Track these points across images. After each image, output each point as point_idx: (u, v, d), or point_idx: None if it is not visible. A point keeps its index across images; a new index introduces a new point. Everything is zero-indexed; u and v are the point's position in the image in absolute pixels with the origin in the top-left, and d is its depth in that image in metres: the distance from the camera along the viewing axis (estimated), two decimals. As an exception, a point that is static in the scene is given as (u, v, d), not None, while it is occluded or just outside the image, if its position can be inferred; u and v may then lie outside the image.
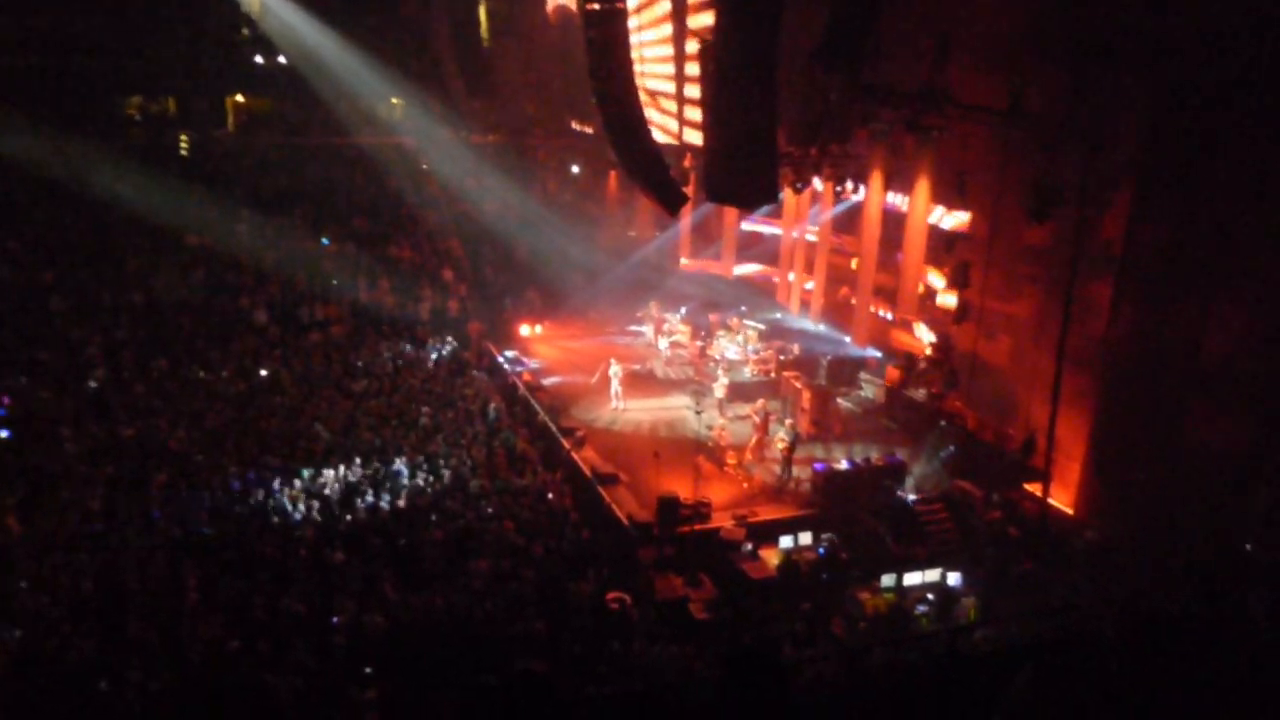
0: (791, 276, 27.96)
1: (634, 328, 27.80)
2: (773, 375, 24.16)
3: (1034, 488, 18.24)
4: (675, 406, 22.71)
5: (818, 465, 18.63)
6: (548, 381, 24.10)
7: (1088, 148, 16.61)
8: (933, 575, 15.83)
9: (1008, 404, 20.14)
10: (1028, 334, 19.70)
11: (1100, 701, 3.64)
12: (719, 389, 22.27)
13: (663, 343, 26.22)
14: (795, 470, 19.13)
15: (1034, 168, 17.58)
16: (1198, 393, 16.69)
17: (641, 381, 24.26)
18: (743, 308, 27.63)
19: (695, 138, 26.36)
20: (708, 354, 25.55)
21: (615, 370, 22.58)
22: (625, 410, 22.48)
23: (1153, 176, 16.72)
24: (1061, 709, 3.71)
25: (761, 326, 26.49)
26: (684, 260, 32.10)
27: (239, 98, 35.27)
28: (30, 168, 26.00)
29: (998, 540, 17.13)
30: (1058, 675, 3.85)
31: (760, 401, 20.68)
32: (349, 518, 16.58)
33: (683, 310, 27.54)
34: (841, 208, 25.80)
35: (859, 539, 17.15)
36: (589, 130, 34.07)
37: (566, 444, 20.09)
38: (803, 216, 26.95)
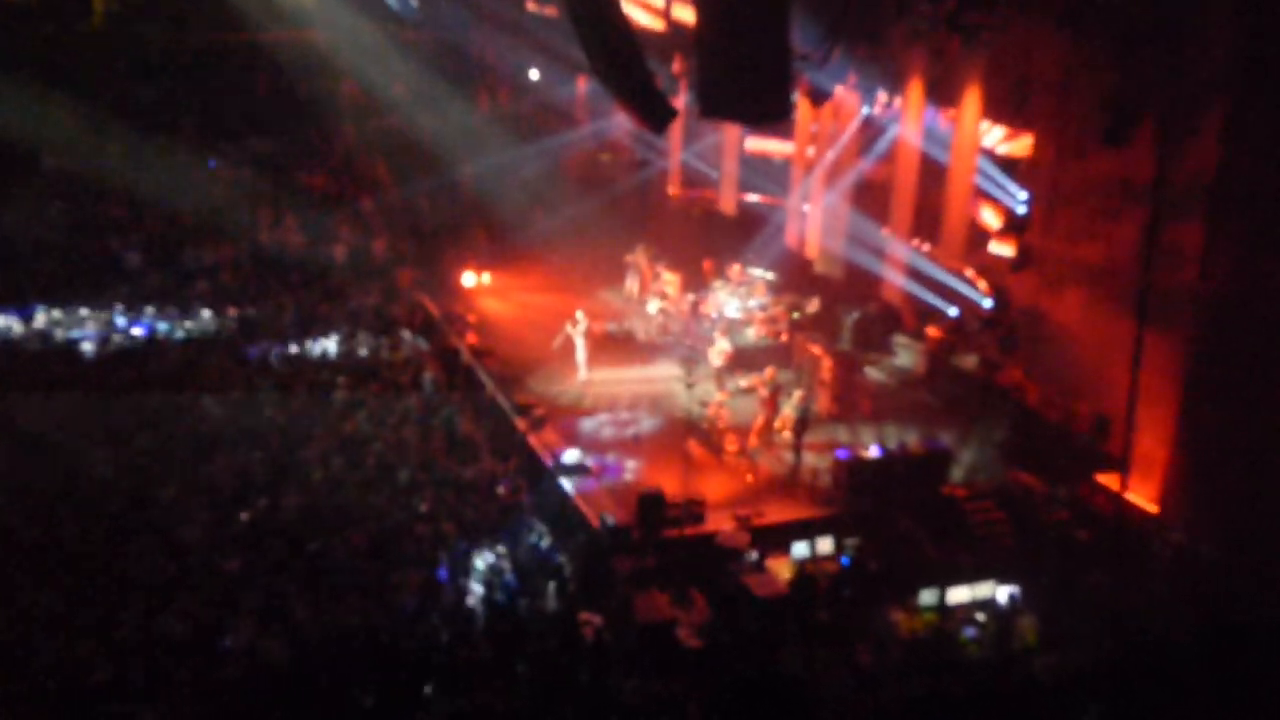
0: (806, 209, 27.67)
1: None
2: (784, 338, 24.19)
3: (1109, 480, 18.25)
4: (660, 377, 22.76)
5: (840, 452, 18.62)
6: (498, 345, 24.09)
7: (1173, 53, 16.46)
8: (984, 590, 15.89)
9: (1077, 374, 20.06)
10: (1102, 286, 19.63)
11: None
12: (716, 355, 22.19)
13: (652, 304, 26.15)
14: (809, 458, 19.19)
15: (1109, 79, 17.67)
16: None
17: (617, 345, 24.29)
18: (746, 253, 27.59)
19: (687, 14, 25.94)
20: (701, 311, 25.43)
21: (579, 328, 22.44)
22: (594, 383, 22.49)
23: (1252, 90, 16.49)
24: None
25: (770, 276, 26.38)
26: (673, 191, 31.88)
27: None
28: None
29: (1064, 545, 17.19)
30: (1135, 713, 3.54)
31: (768, 371, 20.57)
32: (244, 516, 16.57)
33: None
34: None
35: (892, 545, 17.22)
36: (549, 13, 33.50)
37: (521, 425, 20.09)
38: (823, 136, 26.57)
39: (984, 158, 22.01)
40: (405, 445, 18.73)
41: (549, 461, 18.83)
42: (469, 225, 29.14)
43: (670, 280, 26.69)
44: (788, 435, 19.32)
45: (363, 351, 22.71)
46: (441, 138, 31.13)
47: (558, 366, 23.05)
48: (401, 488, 17.42)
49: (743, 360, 22.70)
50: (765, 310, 25.09)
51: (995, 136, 21.97)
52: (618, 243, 28.51)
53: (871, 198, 26.06)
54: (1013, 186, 21.24)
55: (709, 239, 29.51)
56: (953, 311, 22.98)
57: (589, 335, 22.64)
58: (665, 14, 27.86)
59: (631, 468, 18.99)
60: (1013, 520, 17.82)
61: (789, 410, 19.30)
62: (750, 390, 20.61)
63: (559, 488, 18.18)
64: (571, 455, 18.80)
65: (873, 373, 23.02)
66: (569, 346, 22.76)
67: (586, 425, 20.80)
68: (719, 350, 22.21)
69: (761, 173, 30.22)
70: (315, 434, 18.81)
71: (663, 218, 31.42)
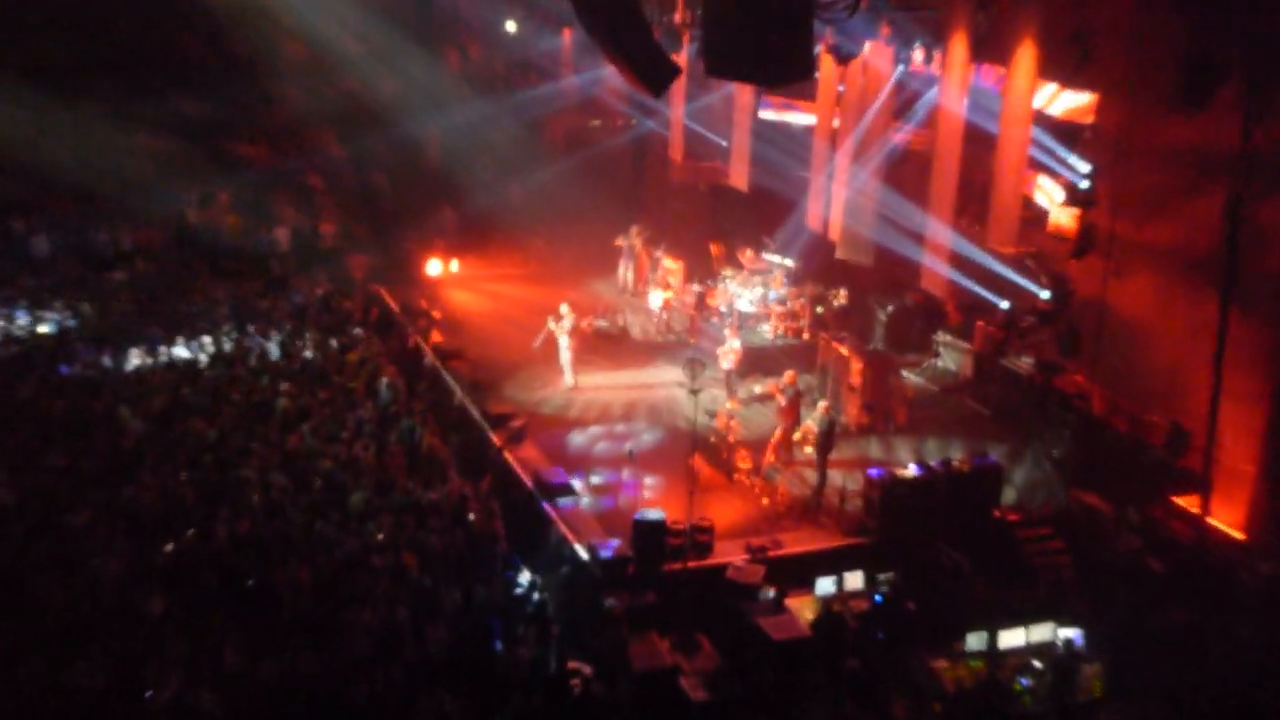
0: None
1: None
2: (805, 336, 24.33)
3: (1187, 501, 18.34)
4: (660, 383, 22.99)
5: (874, 471, 18.60)
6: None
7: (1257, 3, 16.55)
8: (1041, 632, 15.85)
9: (1150, 377, 20.13)
10: (1179, 273, 19.70)
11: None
12: (725, 357, 22.28)
13: (655, 297, 26.08)
14: (835, 477, 19.21)
15: (1186, 30, 17.72)
16: None
17: (609, 345, 24.51)
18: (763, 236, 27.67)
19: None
20: (708, 305, 25.39)
21: (563, 324, 22.46)
22: (582, 389, 22.66)
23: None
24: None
25: (789, 263, 26.39)
26: (675, 164, 31.87)
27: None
28: None
29: (1135, 578, 17.22)
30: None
31: (787, 375, 20.61)
32: (171, 547, 16.36)
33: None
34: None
35: (933, 580, 17.27)
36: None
37: (496, 439, 20.17)
38: (851, 100, 26.54)
39: (1039, 124, 21.88)
40: (358, 463, 18.63)
41: (529, 481, 18.80)
42: (434, 204, 29.23)
43: (671, 268, 26.64)
44: (810, 450, 19.39)
45: (309, 353, 22.62)
46: (403, 103, 31.14)
47: (539, 370, 23.15)
48: (354, 513, 17.28)
49: (757, 362, 22.92)
50: (783, 303, 25.21)
51: (1049, 96, 21.96)
52: (609, 224, 28.60)
53: (907, 171, 26.10)
54: (1073, 157, 21.21)
55: (717, 219, 29.64)
56: (1004, 304, 22.99)
57: (576, 333, 22.74)
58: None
59: (628, 488, 19.03)
60: (1075, 550, 17.88)
61: (812, 421, 19.37)
62: (766, 398, 20.78)
63: (541, 512, 18.18)
64: (558, 475, 18.84)
65: (910, 377, 23.17)
66: (552, 346, 22.81)
67: (573, 439, 20.86)
68: (729, 351, 22.29)
69: (779, 142, 30.20)
70: (253, 449, 18.69)
71: (662, 194, 31.58)
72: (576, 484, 19.00)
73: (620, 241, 28.25)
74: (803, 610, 16.28)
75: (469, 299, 27.04)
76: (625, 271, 28.31)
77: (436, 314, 25.56)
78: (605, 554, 16.92)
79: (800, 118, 29.63)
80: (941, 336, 24.33)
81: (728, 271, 26.41)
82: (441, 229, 28.72)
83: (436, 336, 24.12)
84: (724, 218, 29.78)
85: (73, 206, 25.82)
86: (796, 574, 16.84)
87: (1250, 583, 17.01)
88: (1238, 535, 18.08)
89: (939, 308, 24.81)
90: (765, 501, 19.05)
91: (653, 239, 27.91)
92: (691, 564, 16.80)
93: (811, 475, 19.39)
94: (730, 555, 17.17)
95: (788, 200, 28.90)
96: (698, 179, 31.60)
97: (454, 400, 21.60)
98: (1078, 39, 19.79)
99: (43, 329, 22.74)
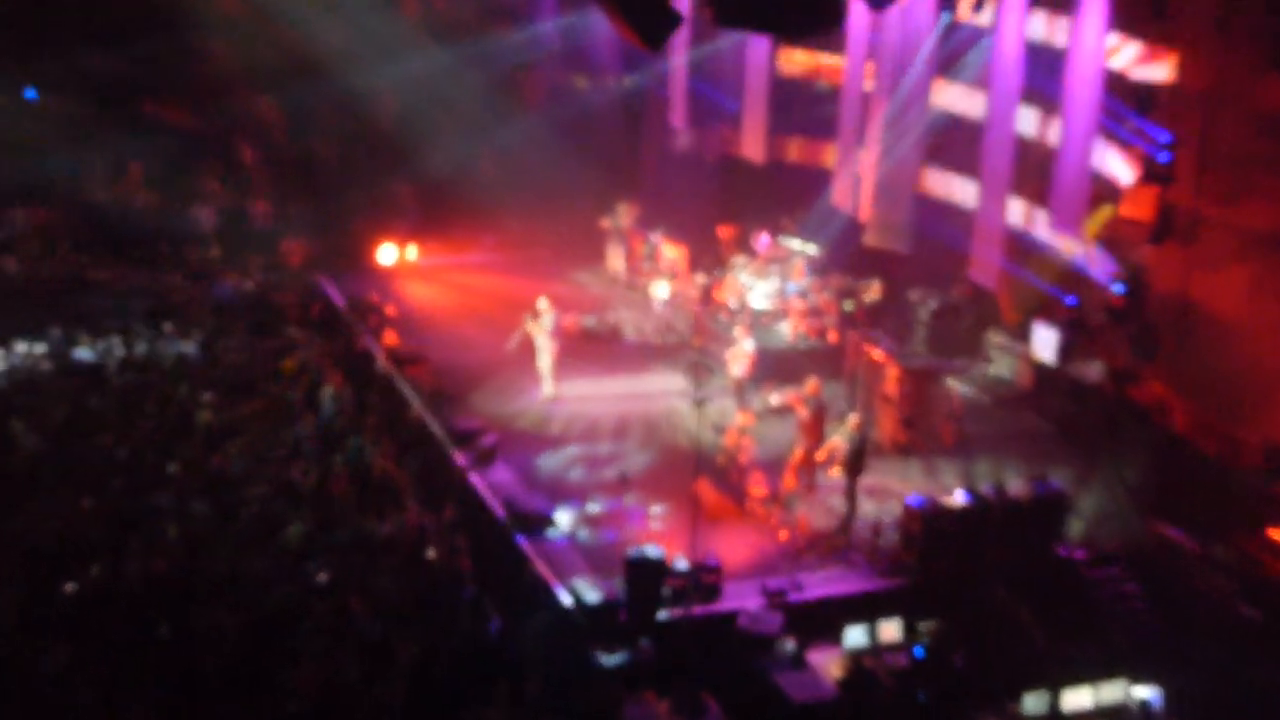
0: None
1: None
2: (832, 337, 24.42)
3: (1286, 535, 18.38)
4: (657, 392, 23.04)
5: (913, 500, 18.56)
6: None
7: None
8: (1112, 692, 15.88)
9: (1242, 387, 20.11)
10: (1277, 262, 19.67)
11: None
12: (736, 362, 22.27)
13: (661, 288, 26.25)
14: (867, 506, 19.25)
15: None
16: None
17: (597, 347, 24.55)
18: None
19: None
20: (716, 299, 25.44)
21: (543, 323, 22.45)
22: (564, 400, 22.63)
23: None
24: None
25: (812, 249, 26.48)
26: (676, 130, 31.87)
27: None
28: None
29: (1225, 626, 17.18)
30: None
31: (810, 384, 20.49)
32: (72, 588, 16.42)
33: None
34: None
35: (984, 629, 17.16)
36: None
37: (461, 460, 20.15)
38: (886, 55, 26.51)
39: (1110, 86, 21.88)
40: (296, 489, 18.70)
41: (500, 511, 18.78)
42: (388, 178, 29.20)
43: (672, 255, 26.55)
44: (837, 474, 19.28)
45: (236, 357, 22.63)
46: (351, 57, 30.99)
47: (513, 378, 23.13)
48: (291, 548, 17.34)
49: (774, 368, 22.84)
50: (805, 298, 25.17)
51: (1126, 57, 21.93)
52: (598, 202, 28.62)
53: (954, 141, 26.07)
54: (1151, 126, 21.12)
55: (726, 197, 29.50)
56: (1069, 300, 22.92)
57: (558, 333, 22.67)
58: None
59: (629, 517, 19.07)
60: (1153, 593, 17.86)
61: (839, 439, 19.25)
62: (785, 411, 20.68)
63: (515, 548, 18.12)
64: (536, 504, 18.85)
65: (957, 386, 23.03)
66: (529, 349, 22.76)
67: (553, 460, 20.84)
68: (741, 354, 22.23)
69: (801, 104, 30.16)
70: (170, 472, 18.72)
71: (662, 166, 31.41)
72: (559, 514, 18.92)
73: (606, 223, 28.14)
74: (829, 666, 16.23)
75: (430, 292, 27.02)
76: (615, 259, 28.19)
77: (390, 310, 25.43)
78: (592, 598, 16.79)
79: (826, 76, 29.56)
80: (994, 338, 24.26)
81: (739, 260, 26.25)
82: (397, 207, 28.77)
83: (391, 337, 24.00)
84: (735, 195, 29.65)
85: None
86: (821, 622, 16.77)
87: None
88: (1347, 576, 18.17)
89: (991, 304, 24.71)
90: (783, 535, 18.93)
91: (644, 219, 27.77)
92: (696, 610, 16.67)
93: (839, 503, 19.27)
94: (742, 600, 17.09)
95: (811, 175, 28.95)
96: (703, 148, 31.45)
97: (411, 414, 21.56)
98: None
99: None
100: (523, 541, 18.22)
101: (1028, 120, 23.95)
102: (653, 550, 17.05)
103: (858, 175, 27.01)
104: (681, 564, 17.05)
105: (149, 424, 20.01)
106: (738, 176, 30.30)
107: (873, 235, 26.04)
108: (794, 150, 30.00)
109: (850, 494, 19.17)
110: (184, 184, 27.04)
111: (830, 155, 28.45)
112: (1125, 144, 22.01)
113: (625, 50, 30.45)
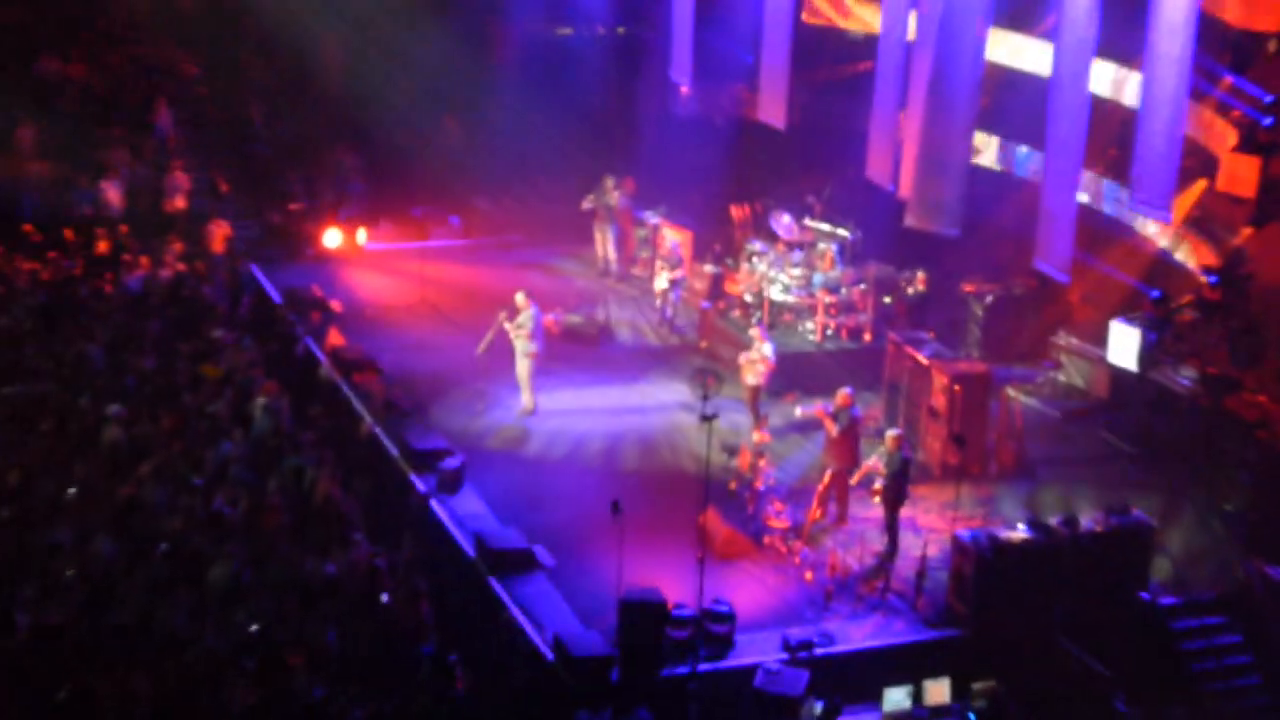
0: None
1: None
2: (867, 338, 24.68)
3: None
4: (656, 404, 23.35)
5: (964, 533, 18.51)
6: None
7: None
8: None
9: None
10: None
11: None
12: (752, 368, 22.30)
13: (660, 279, 26.59)
14: (909, 540, 19.40)
15: None
16: None
17: (583, 350, 24.75)
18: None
19: None
20: (728, 292, 25.89)
21: (520, 321, 22.49)
22: (544, 413, 22.78)
23: None
24: None
25: (843, 232, 26.57)
26: (682, 88, 32.05)
27: None
28: None
29: None
30: None
31: (840, 395, 20.50)
32: None
33: None
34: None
35: (1051, 690, 17.18)
36: None
37: (421, 487, 20.19)
38: None
39: (1204, 37, 21.59)
40: (222, 521, 18.63)
41: (468, 548, 18.77)
42: (333, 148, 29.30)
43: (674, 240, 26.58)
44: (874, 501, 19.31)
45: (148, 362, 22.56)
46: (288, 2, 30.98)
47: (484, 387, 23.22)
48: (215, 594, 17.24)
49: (797, 375, 22.99)
50: (835, 291, 25.12)
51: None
52: (585, 177, 28.78)
53: (1011, 102, 26.05)
54: (1251, 85, 21.12)
55: (740, 170, 29.43)
56: (1153, 294, 22.79)
57: (537, 334, 22.59)
58: None
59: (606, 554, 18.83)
60: (1258, 647, 17.81)
61: (876, 460, 19.35)
62: (810, 426, 20.85)
63: (486, 591, 18.13)
64: (512, 539, 18.88)
65: (1019, 397, 23.03)
66: (503, 353, 22.79)
67: (531, 483, 20.86)
68: (756, 359, 22.22)
69: (830, 57, 30.04)
70: (69, 501, 18.67)
71: (662, 133, 31.65)
72: (540, 552, 18.88)
73: (589, 202, 28.00)
74: (866, 734, 16.26)
75: (383, 284, 27.24)
76: (605, 245, 28.07)
77: (336, 305, 25.58)
78: (578, 651, 16.71)
79: (860, 22, 29.48)
80: (1064, 338, 24.37)
81: (755, 245, 26.24)
82: (343, 183, 28.83)
83: (336, 338, 24.05)
84: (750, 167, 29.72)
85: None
86: (855, 682, 16.77)
87: None
88: None
89: (1058, 298, 24.65)
90: (808, 575, 18.96)
91: (639, 197, 27.70)
92: (703, 666, 16.74)
93: (876, 538, 19.31)
94: (759, 654, 17.13)
95: (842, 142, 28.87)
96: (713, 111, 31.67)
97: (361, 430, 21.68)
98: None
99: None
100: (495, 584, 18.15)
101: (1103, 77, 23.93)
102: (650, 594, 17.03)
103: (898, 143, 27.01)
104: (686, 610, 17.08)
105: (43, 443, 20.04)
106: (754, 145, 30.45)
107: (916, 215, 25.94)
108: (821, 113, 29.93)
109: (890, 527, 19.24)
110: (85, 154, 27.05)
111: (865, 119, 28.30)
112: (1221, 106, 22.02)
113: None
